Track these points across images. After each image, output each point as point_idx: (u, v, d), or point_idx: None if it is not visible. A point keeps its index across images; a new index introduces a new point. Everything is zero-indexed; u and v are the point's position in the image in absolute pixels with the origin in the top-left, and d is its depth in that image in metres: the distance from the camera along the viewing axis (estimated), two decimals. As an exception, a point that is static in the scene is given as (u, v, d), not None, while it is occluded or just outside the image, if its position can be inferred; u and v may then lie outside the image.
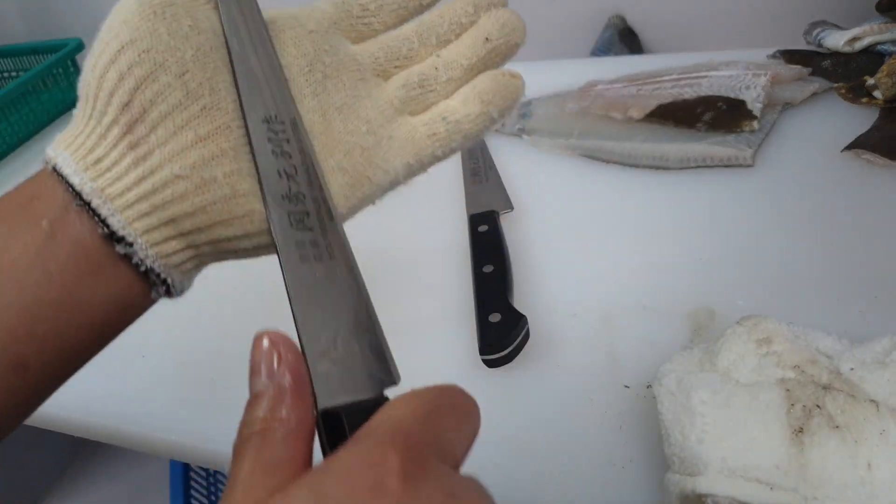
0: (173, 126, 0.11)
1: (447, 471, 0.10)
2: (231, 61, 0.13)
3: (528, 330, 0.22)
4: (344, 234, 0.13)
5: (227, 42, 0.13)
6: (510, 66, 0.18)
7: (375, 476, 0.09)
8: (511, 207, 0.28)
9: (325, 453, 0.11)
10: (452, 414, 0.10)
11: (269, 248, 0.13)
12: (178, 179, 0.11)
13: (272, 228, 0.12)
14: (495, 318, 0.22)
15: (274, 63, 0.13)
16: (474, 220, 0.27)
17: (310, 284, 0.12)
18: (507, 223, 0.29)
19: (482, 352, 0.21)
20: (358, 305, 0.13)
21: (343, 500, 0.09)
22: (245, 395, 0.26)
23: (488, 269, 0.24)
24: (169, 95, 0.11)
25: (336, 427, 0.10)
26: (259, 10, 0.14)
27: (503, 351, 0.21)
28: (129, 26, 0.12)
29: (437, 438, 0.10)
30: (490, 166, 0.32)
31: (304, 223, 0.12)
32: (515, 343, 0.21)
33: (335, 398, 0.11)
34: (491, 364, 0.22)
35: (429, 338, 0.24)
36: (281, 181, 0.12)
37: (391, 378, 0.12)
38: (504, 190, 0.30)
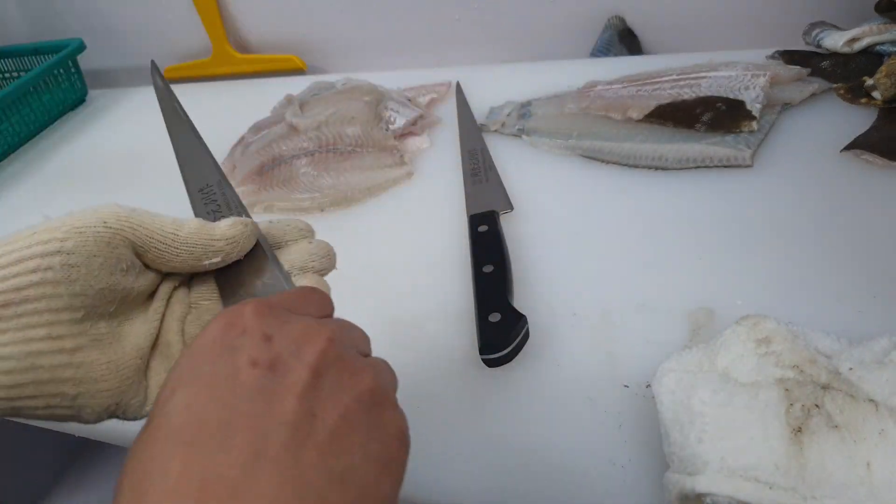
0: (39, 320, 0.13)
1: (291, 316, 0.13)
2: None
3: (527, 330, 0.22)
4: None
5: (168, 129, 0.20)
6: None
7: (228, 320, 0.12)
8: (511, 208, 0.29)
9: None
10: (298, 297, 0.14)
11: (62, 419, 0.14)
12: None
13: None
14: (495, 317, 0.22)
15: (201, 146, 0.19)
16: (474, 221, 0.28)
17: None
18: (506, 223, 0.29)
19: (482, 351, 0.22)
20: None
21: (204, 347, 0.12)
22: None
23: (488, 269, 0.24)
24: (56, 300, 0.13)
25: None
26: (183, 110, 0.21)
27: (503, 350, 0.21)
28: (80, 236, 0.13)
29: (284, 303, 0.13)
30: (490, 167, 0.32)
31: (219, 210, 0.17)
32: (515, 342, 0.22)
33: None
34: (491, 363, 0.22)
35: (429, 337, 0.24)
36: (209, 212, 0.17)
37: None
38: (504, 190, 0.30)
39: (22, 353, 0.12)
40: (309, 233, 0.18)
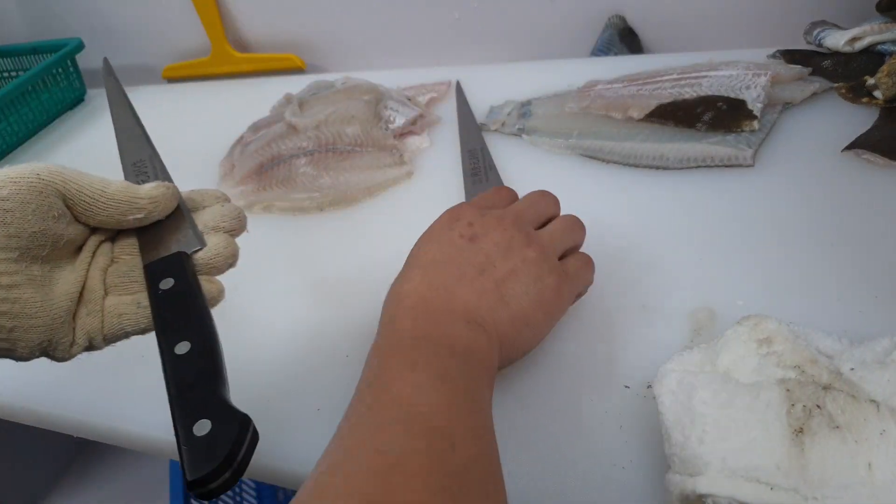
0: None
1: (489, 210, 0.21)
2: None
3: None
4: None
5: (111, 113, 0.24)
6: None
7: (451, 213, 0.21)
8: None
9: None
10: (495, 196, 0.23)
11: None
12: None
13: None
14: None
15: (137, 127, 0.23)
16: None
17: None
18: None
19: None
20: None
21: (438, 226, 0.21)
22: (244, 396, 0.26)
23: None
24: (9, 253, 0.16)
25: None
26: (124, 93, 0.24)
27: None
28: (15, 185, 0.16)
29: (486, 202, 0.23)
30: (490, 166, 0.32)
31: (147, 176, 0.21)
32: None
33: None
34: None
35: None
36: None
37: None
38: None
39: None
40: (223, 199, 0.21)
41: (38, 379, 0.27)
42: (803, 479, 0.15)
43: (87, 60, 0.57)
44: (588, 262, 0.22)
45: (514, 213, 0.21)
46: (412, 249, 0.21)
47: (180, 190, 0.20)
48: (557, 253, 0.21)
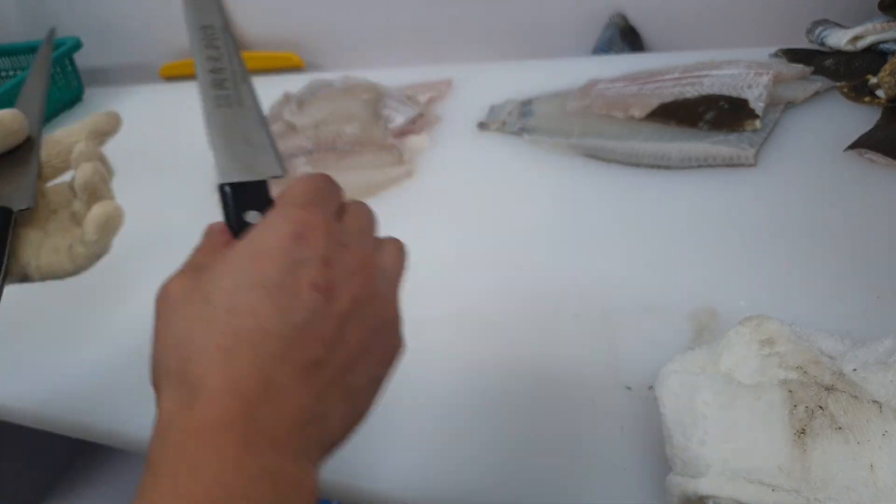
0: None
1: (349, 239, 0.14)
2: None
3: None
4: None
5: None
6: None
7: (297, 231, 0.13)
8: (282, 172, 0.16)
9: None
10: (329, 185, 0.15)
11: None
12: None
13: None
14: None
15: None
16: (234, 197, 0.16)
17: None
18: (505, 223, 0.29)
19: None
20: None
21: (271, 247, 0.12)
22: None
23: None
24: None
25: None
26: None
27: None
28: None
29: (346, 218, 0.15)
30: (243, 79, 0.18)
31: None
32: None
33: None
34: None
35: (429, 338, 0.24)
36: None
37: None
38: (269, 138, 0.17)
39: None
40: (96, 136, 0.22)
41: (39, 381, 0.27)
42: (805, 481, 0.15)
43: (85, 59, 0.57)
44: (400, 250, 0.16)
45: (370, 245, 0.14)
46: (223, 273, 0.12)
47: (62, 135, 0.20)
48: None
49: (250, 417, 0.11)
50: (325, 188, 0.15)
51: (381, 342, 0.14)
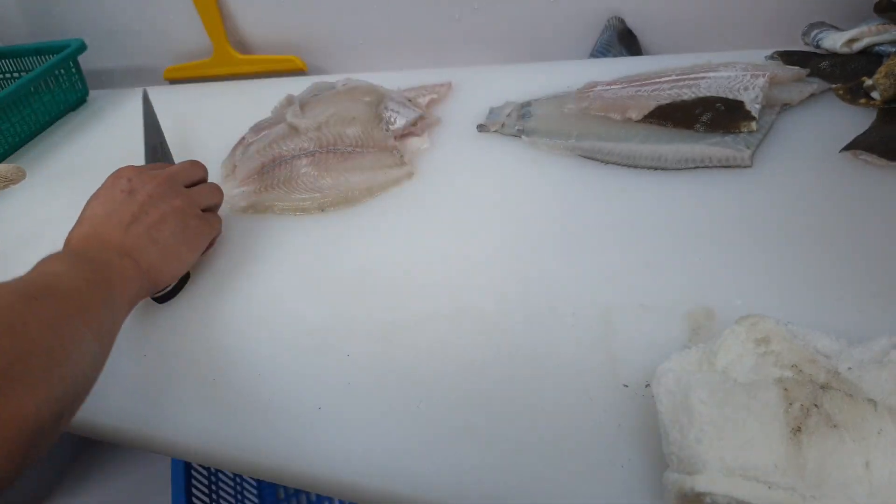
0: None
1: (150, 173, 0.28)
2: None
3: (187, 273, 0.30)
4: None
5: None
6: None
7: (117, 173, 0.28)
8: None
9: None
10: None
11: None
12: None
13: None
14: None
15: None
16: None
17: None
18: (504, 223, 0.29)
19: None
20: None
21: (104, 185, 0.27)
22: (243, 393, 0.26)
23: None
24: None
25: None
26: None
27: (163, 291, 0.28)
28: None
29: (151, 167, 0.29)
30: (166, 153, 0.38)
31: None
32: (174, 286, 0.29)
33: None
34: (158, 301, 0.29)
35: (430, 337, 0.24)
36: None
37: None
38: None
39: None
40: None
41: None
42: (801, 478, 0.15)
43: (89, 61, 0.58)
44: (217, 217, 0.30)
45: (168, 173, 0.28)
46: (84, 207, 0.26)
47: None
48: (201, 206, 0.28)
49: (92, 238, 0.25)
50: (155, 165, 0.30)
51: (175, 215, 0.27)
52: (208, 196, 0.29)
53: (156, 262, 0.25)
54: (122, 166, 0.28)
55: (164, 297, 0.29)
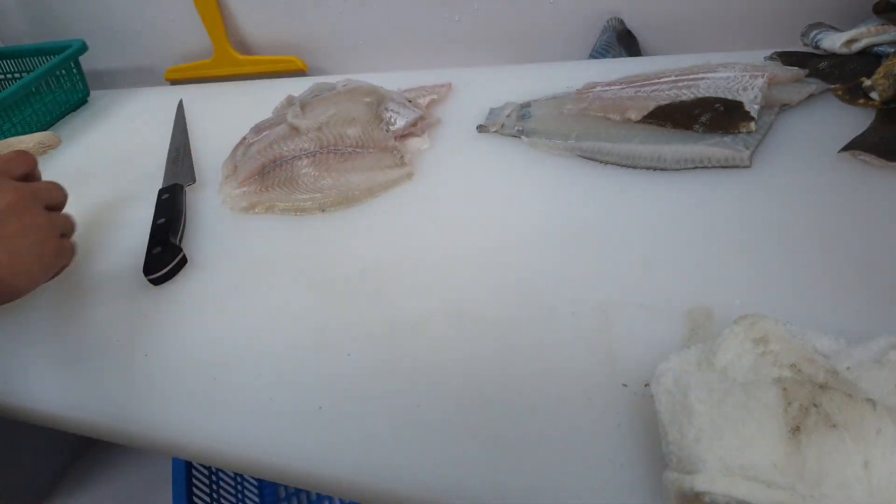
0: None
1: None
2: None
3: (183, 256, 0.31)
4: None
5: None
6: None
7: None
8: (193, 180, 0.38)
9: None
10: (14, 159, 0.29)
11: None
12: None
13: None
14: (157, 250, 0.31)
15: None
16: (161, 192, 0.36)
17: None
18: (503, 222, 0.29)
19: (145, 273, 0.30)
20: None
21: None
22: (244, 392, 0.26)
23: (161, 220, 0.33)
24: None
25: None
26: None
27: (160, 272, 0.30)
28: None
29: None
30: (186, 154, 0.41)
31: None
32: (170, 267, 0.30)
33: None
34: (154, 282, 0.30)
35: (430, 337, 0.24)
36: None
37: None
38: (192, 170, 0.39)
39: None
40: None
41: (42, 378, 0.27)
42: (800, 478, 0.15)
43: (90, 62, 0.58)
44: (72, 245, 0.29)
45: (33, 188, 0.27)
46: None
47: None
48: (60, 231, 0.28)
49: None
50: (10, 162, 0.28)
51: (38, 236, 0.26)
52: (66, 223, 0.29)
53: (4, 276, 0.25)
54: None
55: (160, 279, 0.30)
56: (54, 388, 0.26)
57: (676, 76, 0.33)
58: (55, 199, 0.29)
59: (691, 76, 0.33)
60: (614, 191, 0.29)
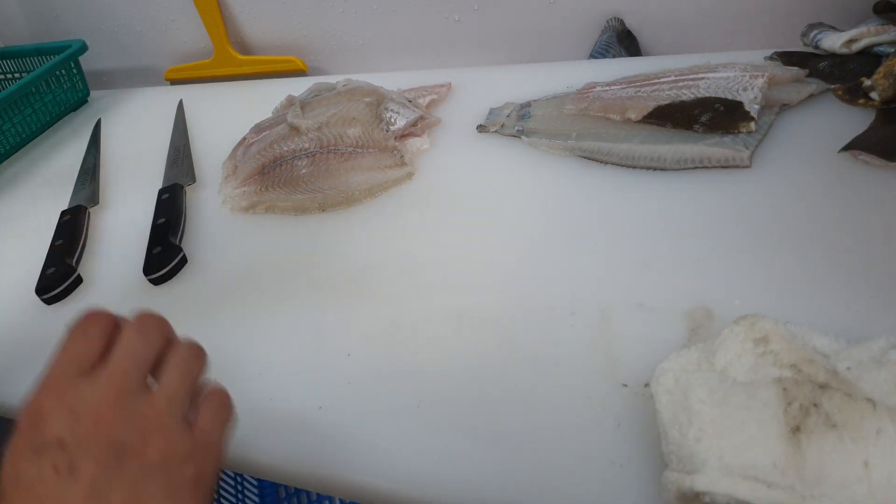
0: None
1: (80, 401, 0.15)
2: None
3: (183, 256, 0.31)
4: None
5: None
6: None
7: (29, 420, 0.15)
8: (194, 180, 0.38)
9: None
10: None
11: None
12: None
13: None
14: (157, 250, 0.31)
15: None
16: (161, 192, 0.36)
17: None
18: (503, 222, 0.29)
19: (145, 273, 0.30)
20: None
21: (17, 449, 0.14)
22: (244, 395, 0.26)
23: (161, 221, 0.33)
24: None
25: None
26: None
27: (161, 272, 0.30)
28: None
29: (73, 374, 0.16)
30: (187, 155, 0.41)
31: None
32: (170, 266, 0.30)
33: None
34: (154, 282, 0.30)
35: (430, 337, 0.24)
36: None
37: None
38: (192, 170, 0.39)
39: None
40: None
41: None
42: (800, 478, 0.15)
43: (90, 62, 0.58)
44: (224, 403, 0.16)
45: (117, 388, 0.15)
46: (3, 471, 0.14)
47: None
48: (184, 408, 0.16)
49: None
50: (79, 347, 0.15)
51: (154, 481, 0.14)
52: (189, 378, 0.16)
53: None
54: (34, 396, 0.15)
55: (160, 279, 0.30)
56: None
57: (676, 76, 0.33)
58: (154, 352, 0.16)
59: (691, 76, 0.33)
60: (614, 191, 0.29)
